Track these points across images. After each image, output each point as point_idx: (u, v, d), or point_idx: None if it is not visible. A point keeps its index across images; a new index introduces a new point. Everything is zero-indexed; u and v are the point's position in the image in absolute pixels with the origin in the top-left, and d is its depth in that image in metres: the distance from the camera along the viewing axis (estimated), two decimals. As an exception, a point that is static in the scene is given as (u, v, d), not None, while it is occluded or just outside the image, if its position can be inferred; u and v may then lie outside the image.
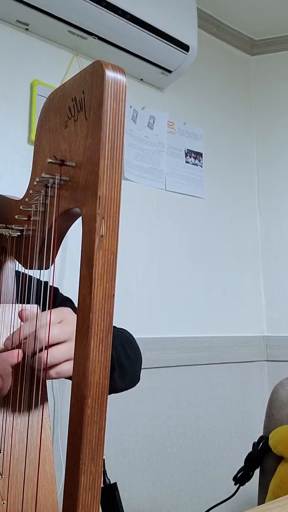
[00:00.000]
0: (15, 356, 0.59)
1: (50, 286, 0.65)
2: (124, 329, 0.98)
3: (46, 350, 0.63)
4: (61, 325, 0.66)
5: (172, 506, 1.84)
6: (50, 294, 0.70)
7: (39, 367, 0.63)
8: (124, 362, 0.86)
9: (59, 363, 0.65)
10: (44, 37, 1.70)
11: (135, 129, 1.90)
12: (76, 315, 0.48)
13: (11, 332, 0.68)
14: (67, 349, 0.65)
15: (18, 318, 0.68)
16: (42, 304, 0.71)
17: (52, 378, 0.66)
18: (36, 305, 0.71)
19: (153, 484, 1.79)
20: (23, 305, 0.70)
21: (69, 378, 0.51)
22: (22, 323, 0.67)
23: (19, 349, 0.59)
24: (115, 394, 0.88)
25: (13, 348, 0.64)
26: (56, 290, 0.99)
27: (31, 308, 0.69)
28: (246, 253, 2.23)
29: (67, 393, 0.49)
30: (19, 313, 0.68)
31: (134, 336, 0.98)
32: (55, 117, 0.56)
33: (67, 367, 0.65)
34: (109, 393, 0.84)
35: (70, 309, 0.70)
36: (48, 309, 0.66)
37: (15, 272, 0.75)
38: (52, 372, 0.65)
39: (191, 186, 2.05)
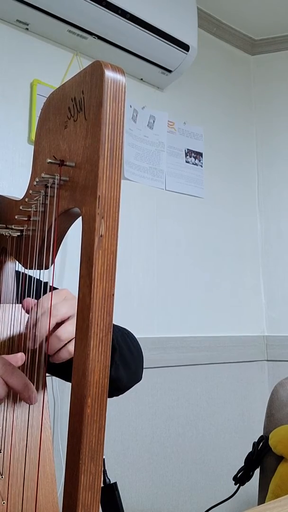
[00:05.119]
0: (18, 359, 0.59)
1: (50, 286, 0.65)
2: (126, 328, 0.98)
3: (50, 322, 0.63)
4: (65, 301, 0.67)
5: (172, 506, 1.84)
6: (51, 293, 0.69)
7: (57, 346, 0.64)
8: (127, 355, 0.86)
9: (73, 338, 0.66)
10: (44, 37, 1.70)
11: (135, 128, 1.90)
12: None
13: (11, 332, 0.68)
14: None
15: (19, 316, 0.68)
16: None
17: (71, 355, 0.66)
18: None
19: (153, 484, 1.79)
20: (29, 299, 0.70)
21: None
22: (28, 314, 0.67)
23: (22, 353, 0.59)
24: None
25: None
26: None
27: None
28: (246, 253, 2.23)
29: (67, 393, 0.49)
30: (23, 303, 0.68)
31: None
32: (54, 117, 0.56)
33: None
34: (113, 392, 0.84)
35: (67, 289, 0.71)
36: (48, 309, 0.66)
37: (15, 272, 0.75)
38: (70, 346, 0.66)
39: (191, 185, 2.05)
